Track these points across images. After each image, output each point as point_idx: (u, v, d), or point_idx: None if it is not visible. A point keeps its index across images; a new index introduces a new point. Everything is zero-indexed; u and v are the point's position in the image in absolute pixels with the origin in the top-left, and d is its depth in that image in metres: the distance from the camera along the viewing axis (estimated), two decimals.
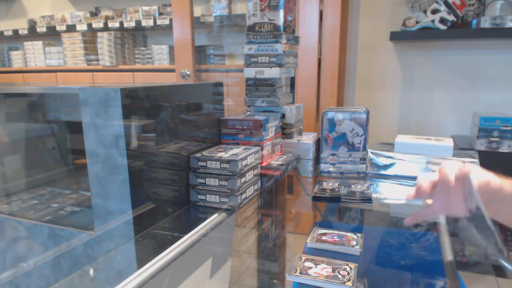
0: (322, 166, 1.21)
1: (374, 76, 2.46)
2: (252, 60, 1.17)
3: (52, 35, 3.62)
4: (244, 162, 0.93)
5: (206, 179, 0.92)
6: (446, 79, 2.27)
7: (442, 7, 2.00)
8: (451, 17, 1.99)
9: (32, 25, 3.72)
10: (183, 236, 0.77)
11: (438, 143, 1.18)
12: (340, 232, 0.86)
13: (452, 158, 1.14)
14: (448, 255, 0.78)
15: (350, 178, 1.19)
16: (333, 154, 1.19)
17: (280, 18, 1.14)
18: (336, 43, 2.23)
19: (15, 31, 3.74)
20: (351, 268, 0.69)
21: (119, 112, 0.75)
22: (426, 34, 2.07)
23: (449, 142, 1.18)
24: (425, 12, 2.07)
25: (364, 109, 1.17)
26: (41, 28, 3.58)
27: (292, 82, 1.37)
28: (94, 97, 0.78)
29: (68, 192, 1.23)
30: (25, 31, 3.69)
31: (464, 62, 2.24)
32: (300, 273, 0.68)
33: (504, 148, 1.90)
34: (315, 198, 1.07)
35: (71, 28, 3.45)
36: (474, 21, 2.03)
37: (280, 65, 1.15)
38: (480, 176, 0.66)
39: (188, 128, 0.97)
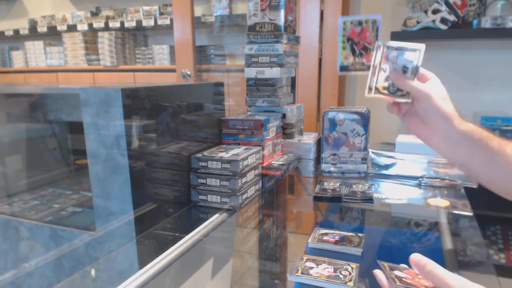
0: (323, 166, 1.21)
1: None
2: (253, 60, 1.17)
3: (53, 35, 3.62)
4: (245, 162, 0.93)
5: (207, 179, 0.92)
6: (446, 79, 2.24)
7: (443, 7, 2.00)
8: (452, 17, 1.99)
9: (33, 25, 3.72)
10: (184, 237, 0.77)
11: None
12: (342, 232, 0.85)
13: None
14: (450, 255, 0.78)
15: (351, 178, 1.19)
16: (334, 154, 1.19)
17: (280, 18, 1.14)
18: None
19: (16, 31, 3.75)
20: (352, 268, 0.69)
21: (120, 112, 0.75)
22: (427, 34, 2.07)
23: None
24: (426, 12, 2.06)
25: (365, 109, 1.17)
26: (42, 28, 3.58)
27: (293, 82, 1.37)
28: (95, 97, 0.78)
29: (69, 192, 1.23)
30: (26, 31, 3.70)
31: (465, 62, 2.23)
32: (302, 273, 0.68)
33: None
34: (316, 198, 1.06)
35: (72, 28, 3.45)
36: (475, 21, 2.03)
37: (281, 65, 1.15)
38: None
39: (189, 128, 0.97)
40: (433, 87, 0.75)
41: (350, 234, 0.85)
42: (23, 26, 3.76)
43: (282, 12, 1.13)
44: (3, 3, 3.98)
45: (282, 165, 1.05)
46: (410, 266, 0.58)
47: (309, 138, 1.26)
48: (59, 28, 3.49)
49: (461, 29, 2.07)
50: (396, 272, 0.57)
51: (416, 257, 0.53)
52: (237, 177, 0.89)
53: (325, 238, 0.83)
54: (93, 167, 0.81)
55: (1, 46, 3.95)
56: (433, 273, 0.50)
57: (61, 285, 0.72)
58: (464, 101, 2.24)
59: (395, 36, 2.15)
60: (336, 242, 0.81)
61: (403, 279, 0.55)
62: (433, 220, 0.99)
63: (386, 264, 0.58)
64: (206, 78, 2.94)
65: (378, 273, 0.57)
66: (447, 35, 2.06)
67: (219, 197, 0.91)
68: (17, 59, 3.84)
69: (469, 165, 0.75)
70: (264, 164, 1.05)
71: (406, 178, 1.19)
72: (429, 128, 0.77)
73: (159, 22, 3.05)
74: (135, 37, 3.35)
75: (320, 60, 2.28)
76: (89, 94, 0.78)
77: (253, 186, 0.99)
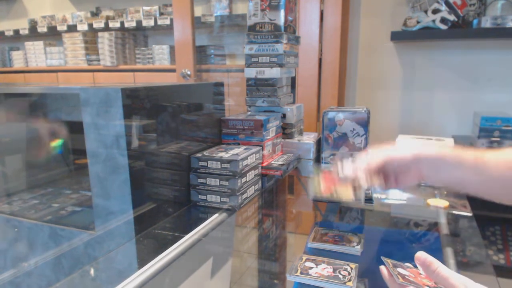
0: (323, 166, 1.21)
1: (375, 76, 2.45)
2: (253, 60, 1.17)
3: (53, 35, 3.62)
4: (245, 162, 0.93)
5: (207, 179, 0.92)
6: (447, 79, 2.26)
7: (443, 7, 2.00)
8: (452, 17, 1.99)
9: (33, 25, 3.72)
10: (183, 236, 0.77)
11: (439, 143, 1.18)
12: (341, 232, 0.86)
13: None
14: (449, 255, 0.78)
15: None
16: (334, 154, 1.19)
17: (280, 18, 1.14)
18: (337, 43, 2.23)
19: (16, 31, 3.75)
20: (351, 268, 0.69)
21: (120, 112, 0.75)
22: (427, 34, 2.07)
23: (449, 142, 1.18)
24: (426, 12, 2.06)
25: (365, 109, 1.17)
26: (42, 28, 3.58)
27: (293, 82, 1.37)
28: (95, 97, 0.78)
29: (69, 192, 1.24)
30: (26, 31, 3.69)
31: (465, 62, 2.23)
32: (301, 273, 0.68)
33: None
34: (316, 198, 1.06)
35: (72, 28, 3.45)
36: (475, 21, 2.03)
37: (281, 65, 1.15)
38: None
39: (189, 128, 0.97)
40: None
41: (350, 234, 0.85)
42: (23, 26, 3.76)
43: (282, 12, 1.13)
44: (3, 3, 3.98)
45: (282, 165, 1.05)
46: (412, 265, 0.58)
47: (309, 138, 1.26)
48: (59, 28, 3.49)
49: (461, 29, 2.08)
50: (399, 270, 0.57)
51: (422, 256, 0.53)
52: (236, 177, 0.89)
53: (324, 238, 0.83)
54: (93, 167, 0.81)
55: (1, 46, 3.95)
56: (438, 272, 0.50)
57: (60, 284, 0.72)
58: (464, 101, 2.24)
59: (395, 35, 2.15)
60: (335, 242, 0.81)
61: (406, 277, 0.55)
62: (432, 221, 0.99)
63: (389, 261, 0.59)
64: (206, 78, 2.94)
65: (382, 268, 0.58)
66: (447, 35, 2.06)
67: (218, 197, 0.91)
68: (17, 59, 3.84)
69: (458, 186, 0.73)
70: (264, 164, 1.05)
71: None
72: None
73: (159, 22, 3.05)
74: (135, 37, 3.35)
75: (320, 60, 2.28)
76: (89, 94, 0.78)
77: (253, 186, 0.99)
